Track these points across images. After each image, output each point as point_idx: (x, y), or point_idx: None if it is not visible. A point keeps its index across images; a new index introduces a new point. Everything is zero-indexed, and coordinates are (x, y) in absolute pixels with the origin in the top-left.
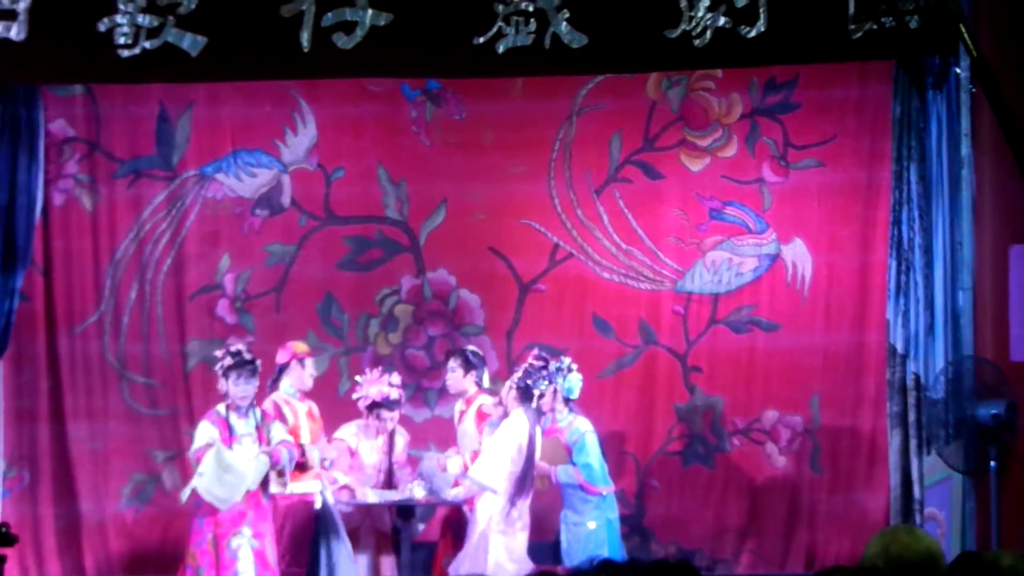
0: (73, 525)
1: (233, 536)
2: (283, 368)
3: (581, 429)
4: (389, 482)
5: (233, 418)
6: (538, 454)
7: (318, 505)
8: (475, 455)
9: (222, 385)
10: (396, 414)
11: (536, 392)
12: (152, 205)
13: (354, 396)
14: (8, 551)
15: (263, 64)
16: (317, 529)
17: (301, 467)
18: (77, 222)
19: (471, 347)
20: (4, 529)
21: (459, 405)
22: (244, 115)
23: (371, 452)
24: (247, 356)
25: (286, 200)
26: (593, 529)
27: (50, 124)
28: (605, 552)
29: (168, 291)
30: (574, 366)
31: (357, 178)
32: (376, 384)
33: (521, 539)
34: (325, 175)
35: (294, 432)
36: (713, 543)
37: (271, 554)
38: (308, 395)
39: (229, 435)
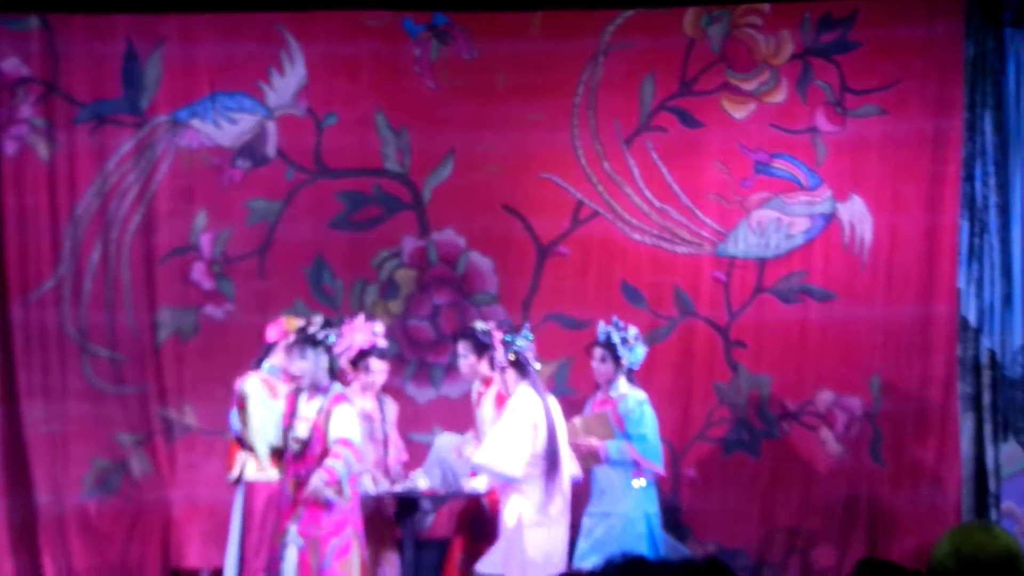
0: (28, 519)
1: (283, 533)
2: (272, 347)
3: (638, 398)
4: (386, 457)
5: (303, 398)
6: (560, 428)
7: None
8: None
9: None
10: (386, 366)
11: (528, 354)
12: (118, 155)
13: (336, 350)
14: None
15: None
16: None
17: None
18: (32, 174)
19: (479, 325)
20: None
21: (477, 386)
22: (223, 53)
23: (361, 419)
24: (311, 330)
25: (271, 150)
26: (633, 522)
27: (1, 62)
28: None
29: (136, 253)
30: (640, 336)
31: (352, 125)
32: (360, 331)
33: (559, 531)
34: (316, 122)
35: None
36: (759, 543)
37: (315, 558)
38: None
39: (291, 415)
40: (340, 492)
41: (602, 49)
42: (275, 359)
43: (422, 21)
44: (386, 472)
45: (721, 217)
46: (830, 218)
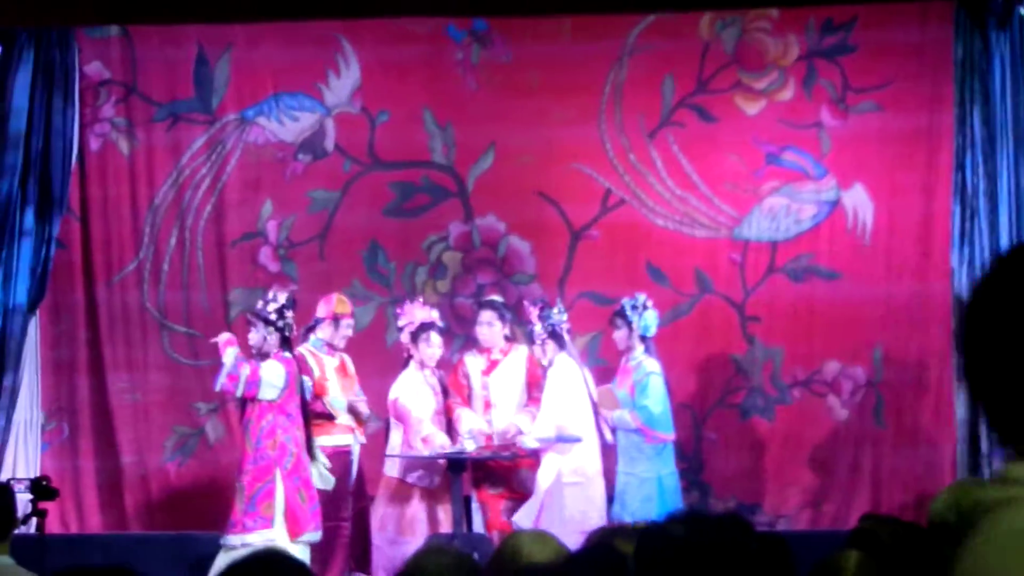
0: (115, 479)
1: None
2: (318, 322)
3: (648, 369)
4: (449, 424)
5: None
6: (594, 393)
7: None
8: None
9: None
10: (442, 341)
11: (564, 327)
12: (191, 150)
13: (399, 324)
14: (49, 505)
15: (303, 3)
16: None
17: (329, 418)
18: (114, 167)
19: (495, 297)
20: (44, 482)
21: (480, 360)
22: (285, 57)
23: (419, 398)
24: (267, 308)
25: (330, 144)
26: (645, 482)
27: (85, 67)
28: (655, 508)
29: (208, 238)
30: (649, 303)
31: (402, 122)
32: (420, 309)
33: (597, 490)
34: (369, 119)
35: (319, 386)
36: (773, 498)
37: (240, 501)
38: (355, 343)
39: None
40: (236, 383)
41: (627, 51)
42: (321, 332)
43: (464, 27)
44: (449, 437)
45: (736, 204)
46: (835, 205)
